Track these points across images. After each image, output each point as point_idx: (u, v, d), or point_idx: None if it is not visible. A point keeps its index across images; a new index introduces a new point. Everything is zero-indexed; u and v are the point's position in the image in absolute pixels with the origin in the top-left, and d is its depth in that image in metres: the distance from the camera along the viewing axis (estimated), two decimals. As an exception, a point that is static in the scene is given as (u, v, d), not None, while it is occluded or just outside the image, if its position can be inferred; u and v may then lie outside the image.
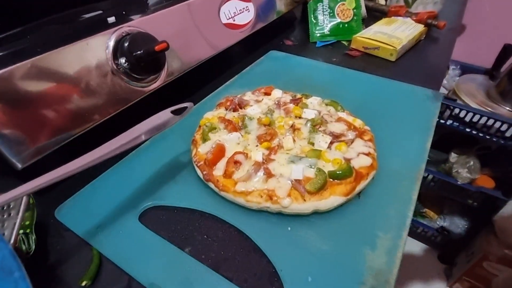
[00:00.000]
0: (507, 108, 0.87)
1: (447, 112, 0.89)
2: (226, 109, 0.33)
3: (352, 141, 0.29)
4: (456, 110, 0.87)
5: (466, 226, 1.04)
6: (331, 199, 0.24)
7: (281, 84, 0.38)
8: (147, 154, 0.31)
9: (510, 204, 0.93)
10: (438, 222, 1.08)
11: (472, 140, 0.95)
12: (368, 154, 0.28)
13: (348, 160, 0.27)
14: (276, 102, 0.33)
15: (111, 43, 0.29)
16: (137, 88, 0.31)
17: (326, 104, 0.34)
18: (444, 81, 1.03)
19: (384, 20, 0.55)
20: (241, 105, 0.33)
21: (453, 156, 1.00)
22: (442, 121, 0.92)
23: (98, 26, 0.29)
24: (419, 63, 0.47)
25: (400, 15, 0.58)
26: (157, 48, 0.28)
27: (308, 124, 0.29)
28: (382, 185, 0.27)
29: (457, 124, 0.89)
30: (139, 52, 0.28)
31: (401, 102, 0.38)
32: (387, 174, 0.28)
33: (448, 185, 0.98)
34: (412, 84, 0.41)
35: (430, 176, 1.03)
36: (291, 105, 0.33)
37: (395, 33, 0.49)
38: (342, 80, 0.42)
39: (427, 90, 0.40)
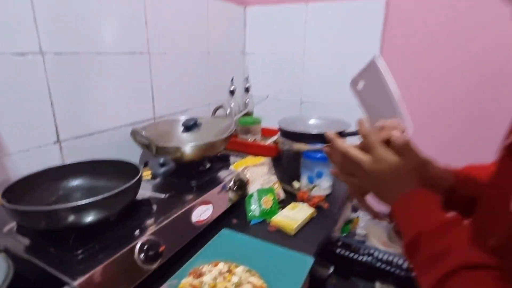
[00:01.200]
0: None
1: (362, 250, 1.22)
2: (193, 276, 0.63)
3: (254, 294, 0.58)
4: (367, 250, 1.20)
5: None
6: (239, 328, 0.52)
7: (227, 255, 0.69)
8: (149, 306, 0.59)
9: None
10: None
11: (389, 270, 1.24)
12: (262, 302, 0.57)
13: (250, 306, 0.56)
14: (219, 272, 0.64)
15: (137, 249, 0.60)
16: (147, 268, 0.61)
17: (246, 271, 0.64)
18: (361, 224, 1.39)
19: (291, 204, 0.93)
20: (201, 274, 0.63)
21: (377, 286, 1.27)
22: (360, 257, 1.23)
23: (130, 238, 0.61)
24: (309, 235, 0.81)
25: (303, 199, 0.96)
26: (160, 253, 0.59)
27: (233, 287, 0.59)
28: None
29: (370, 260, 1.21)
30: (151, 255, 0.59)
31: (291, 265, 0.69)
32: (271, 312, 0.57)
33: (377, 312, 1.21)
34: (301, 252, 0.73)
35: (362, 305, 1.26)
36: (227, 273, 0.63)
37: (295, 216, 0.85)
38: (261, 250, 0.74)
39: (306, 256, 0.72)
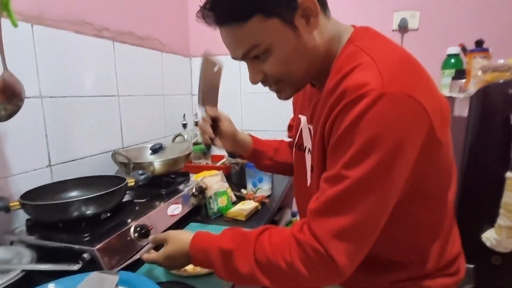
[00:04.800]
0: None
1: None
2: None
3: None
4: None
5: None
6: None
7: (196, 236, 0.93)
8: (144, 271, 0.80)
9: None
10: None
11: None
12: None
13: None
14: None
15: (132, 229, 0.82)
16: (141, 244, 0.82)
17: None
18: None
19: (241, 202, 1.21)
20: (180, 246, 0.86)
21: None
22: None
23: (125, 223, 0.83)
24: (256, 220, 1.10)
25: (250, 198, 1.25)
26: (149, 230, 0.82)
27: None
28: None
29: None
30: (143, 232, 0.82)
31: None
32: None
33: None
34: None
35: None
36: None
37: (245, 207, 1.13)
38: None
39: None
